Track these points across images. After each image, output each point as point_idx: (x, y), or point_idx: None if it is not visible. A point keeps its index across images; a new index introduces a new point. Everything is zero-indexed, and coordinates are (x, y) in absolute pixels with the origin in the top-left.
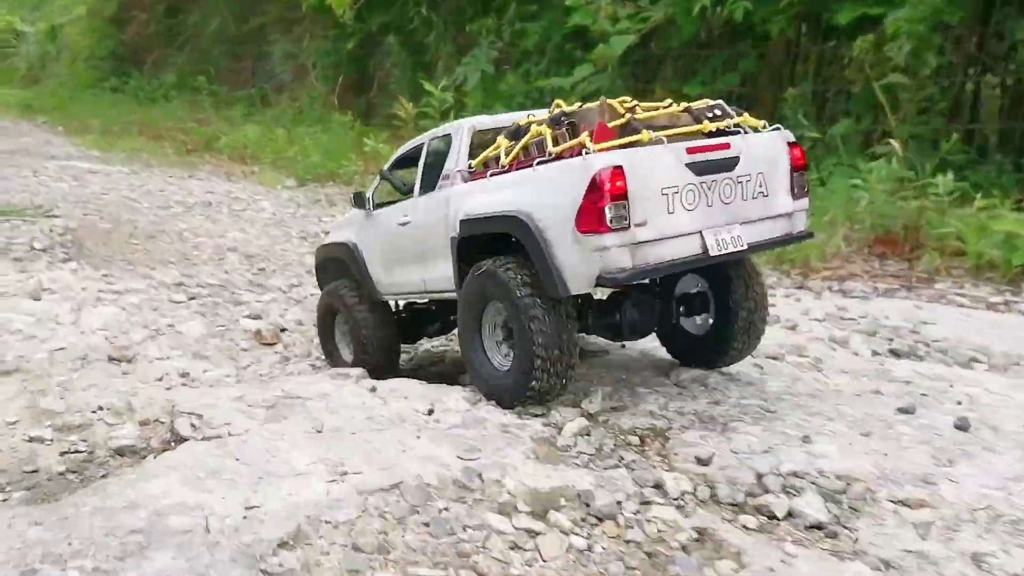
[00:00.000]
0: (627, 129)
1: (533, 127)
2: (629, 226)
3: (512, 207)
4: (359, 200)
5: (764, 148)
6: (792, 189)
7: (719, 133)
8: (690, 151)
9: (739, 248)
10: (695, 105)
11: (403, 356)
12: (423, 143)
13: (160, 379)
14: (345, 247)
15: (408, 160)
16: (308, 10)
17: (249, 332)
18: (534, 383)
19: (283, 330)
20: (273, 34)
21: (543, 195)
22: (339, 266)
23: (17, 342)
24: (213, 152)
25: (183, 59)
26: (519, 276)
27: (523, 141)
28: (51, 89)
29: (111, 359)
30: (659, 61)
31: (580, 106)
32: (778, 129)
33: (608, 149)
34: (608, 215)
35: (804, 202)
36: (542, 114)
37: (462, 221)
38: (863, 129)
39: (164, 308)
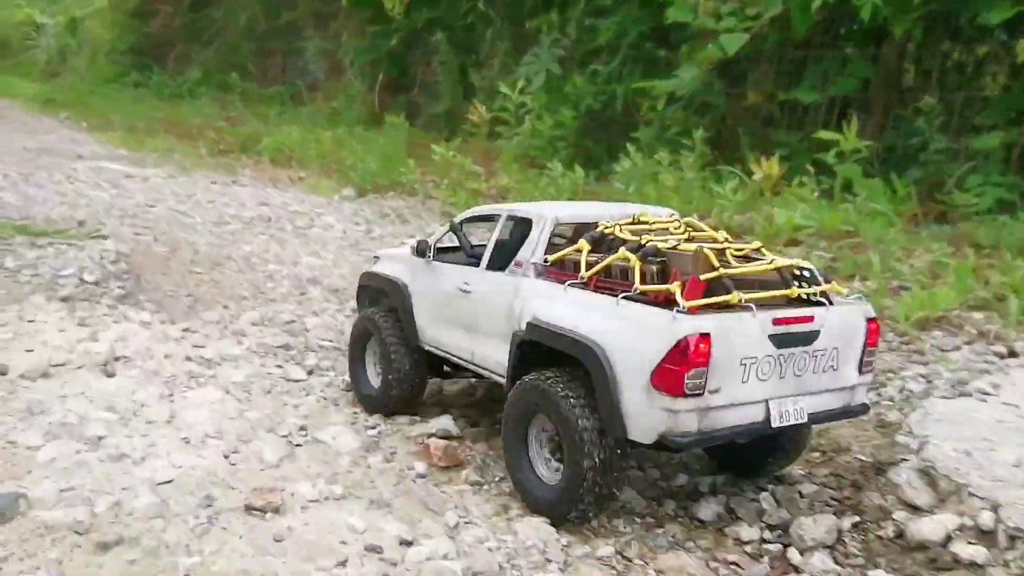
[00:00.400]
0: (718, 285)
1: (621, 250)
2: (704, 393)
3: (588, 334)
4: (422, 249)
5: (844, 323)
6: (860, 364)
7: (804, 299)
8: (776, 322)
9: (800, 421)
10: (785, 264)
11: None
12: (501, 215)
13: (344, 564)
14: (395, 285)
15: (480, 220)
16: (347, 5)
17: (415, 442)
18: (583, 503)
19: (454, 438)
20: (306, 29)
21: (623, 334)
22: (383, 298)
23: (103, 467)
24: (251, 154)
25: (208, 55)
26: (574, 398)
27: (608, 261)
28: (71, 83)
29: (250, 509)
30: (751, 63)
31: (675, 247)
32: (860, 299)
33: (697, 308)
34: (687, 381)
35: (868, 377)
36: (628, 209)
37: (530, 324)
38: (1009, 141)
39: (280, 390)
